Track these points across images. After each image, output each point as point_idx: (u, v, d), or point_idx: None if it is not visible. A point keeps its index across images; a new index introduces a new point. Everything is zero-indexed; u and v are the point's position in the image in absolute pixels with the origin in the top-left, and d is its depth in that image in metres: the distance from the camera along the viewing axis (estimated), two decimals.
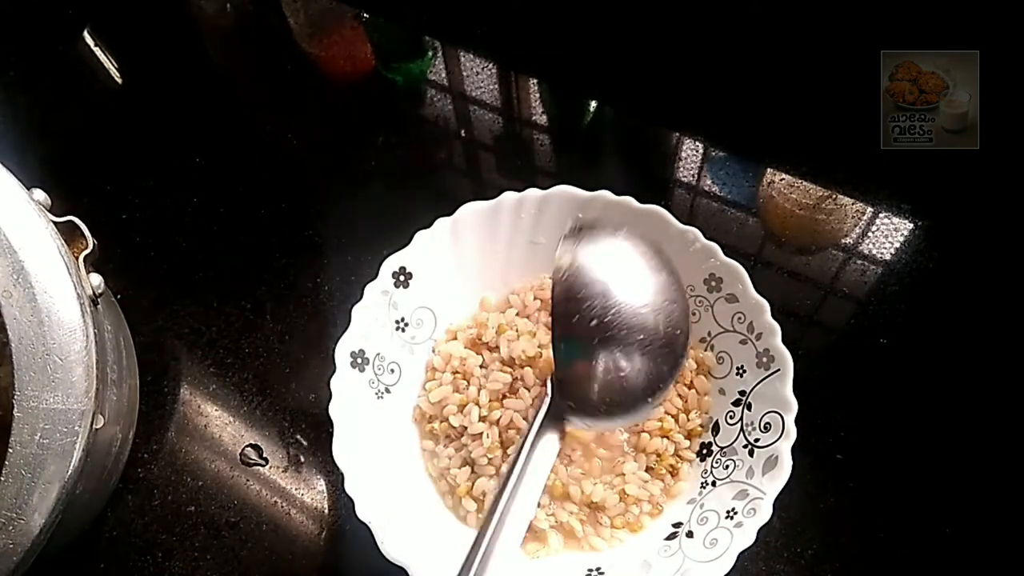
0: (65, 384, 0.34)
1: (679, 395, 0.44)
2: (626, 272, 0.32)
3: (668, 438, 0.43)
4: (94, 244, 0.39)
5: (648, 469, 0.43)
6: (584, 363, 0.31)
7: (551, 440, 0.32)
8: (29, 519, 0.33)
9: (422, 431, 0.45)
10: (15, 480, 0.33)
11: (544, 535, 0.41)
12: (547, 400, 0.34)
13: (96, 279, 0.38)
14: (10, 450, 0.33)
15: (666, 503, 0.42)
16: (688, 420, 0.43)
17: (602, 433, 0.43)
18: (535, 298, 0.47)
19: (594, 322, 0.30)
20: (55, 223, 0.37)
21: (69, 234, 0.38)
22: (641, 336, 0.31)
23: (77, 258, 0.37)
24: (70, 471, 0.34)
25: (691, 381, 0.44)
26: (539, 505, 0.41)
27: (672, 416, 0.44)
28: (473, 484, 0.42)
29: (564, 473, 0.42)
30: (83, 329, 0.35)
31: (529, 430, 0.33)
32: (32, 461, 0.33)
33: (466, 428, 0.43)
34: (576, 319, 0.31)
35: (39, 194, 0.38)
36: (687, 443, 0.43)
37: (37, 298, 0.34)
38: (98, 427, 0.36)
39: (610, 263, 0.32)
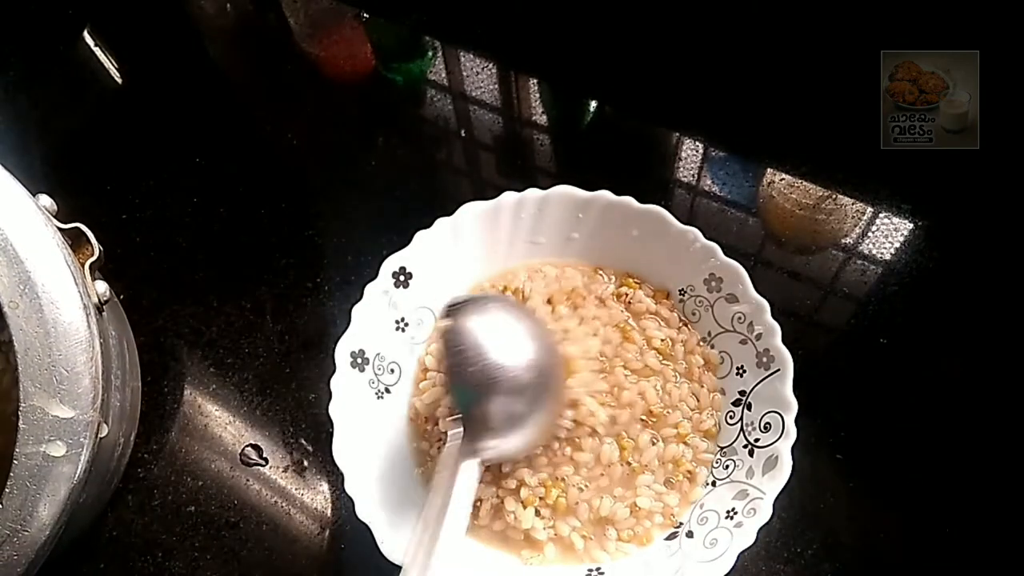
0: (71, 395, 0.34)
1: (693, 394, 0.43)
2: (493, 328, 0.39)
3: (686, 443, 0.42)
4: (100, 251, 0.38)
5: (666, 481, 0.42)
6: (476, 399, 0.37)
7: (471, 467, 0.37)
8: (34, 531, 0.33)
9: (416, 431, 0.44)
10: (20, 491, 0.33)
11: (540, 545, 0.41)
12: (460, 434, 0.38)
13: (102, 286, 0.38)
14: (15, 461, 0.33)
15: (682, 512, 0.41)
16: (702, 421, 0.43)
17: (622, 441, 0.42)
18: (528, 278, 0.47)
19: (472, 368, 0.37)
20: (61, 230, 0.37)
21: (75, 240, 0.38)
22: (512, 372, 0.38)
23: (83, 265, 0.37)
24: (75, 482, 0.34)
25: (700, 378, 0.44)
26: (539, 515, 0.41)
27: (687, 419, 0.43)
28: None
29: (574, 493, 0.41)
30: (89, 339, 0.35)
31: (450, 464, 0.37)
32: (37, 473, 0.33)
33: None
34: (459, 369, 0.37)
35: (45, 199, 0.38)
36: (705, 444, 0.42)
37: (44, 309, 0.34)
38: (103, 436, 0.35)
39: (479, 323, 0.38)
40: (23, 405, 0.33)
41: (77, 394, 0.34)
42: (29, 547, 0.33)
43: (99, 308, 0.37)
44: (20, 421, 0.33)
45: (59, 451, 0.33)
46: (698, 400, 0.43)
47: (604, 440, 0.42)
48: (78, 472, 0.34)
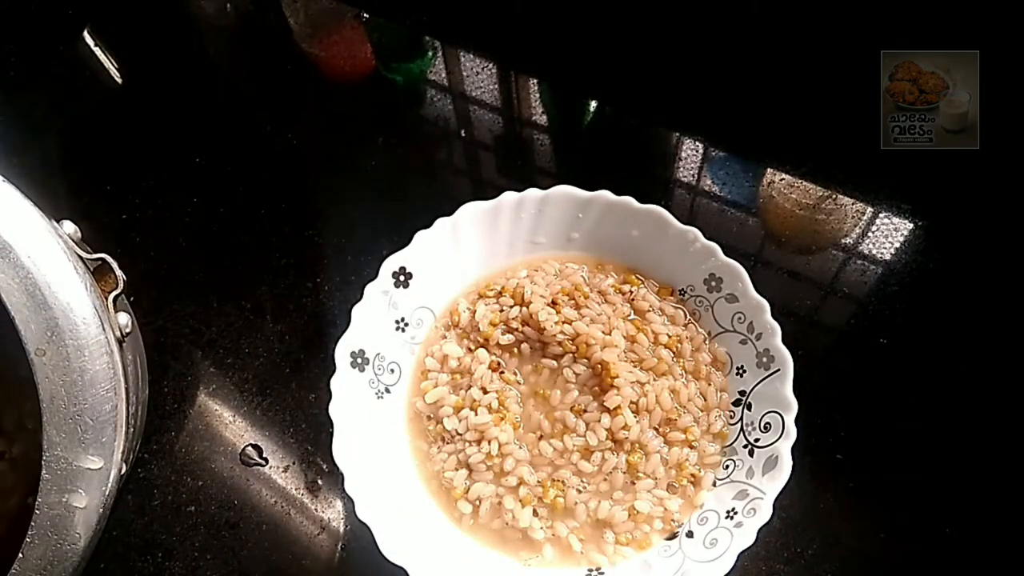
0: (96, 444, 0.33)
1: (701, 394, 0.43)
2: None
3: (691, 447, 0.42)
4: (123, 281, 0.37)
5: (669, 486, 0.41)
6: None
7: None
8: None
9: (415, 431, 0.44)
10: (42, 542, 0.32)
11: (538, 545, 0.41)
12: None
13: (124, 318, 0.37)
14: (37, 511, 0.32)
15: (684, 517, 0.40)
16: (711, 423, 0.42)
17: (632, 457, 0.42)
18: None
19: None
20: (84, 260, 0.36)
21: (98, 269, 0.37)
22: None
23: (107, 298, 0.36)
24: (95, 529, 0.33)
25: (708, 376, 0.43)
26: (537, 515, 0.41)
27: (696, 422, 0.42)
28: (469, 488, 0.41)
29: (573, 495, 0.41)
30: (114, 387, 0.34)
31: None
32: (59, 523, 0.32)
33: (461, 433, 0.42)
34: None
35: (68, 226, 0.37)
36: (713, 448, 0.42)
37: (71, 357, 0.33)
38: (123, 473, 0.35)
39: None
40: (47, 455, 0.32)
41: (102, 443, 0.33)
42: None
43: (120, 342, 0.36)
44: (44, 471, 0.32)
45: (81, 501, 0.33)
46: (705, 400, 0.43)
47: (617, 452, 0.42)
48: (101, 520, 0.33)
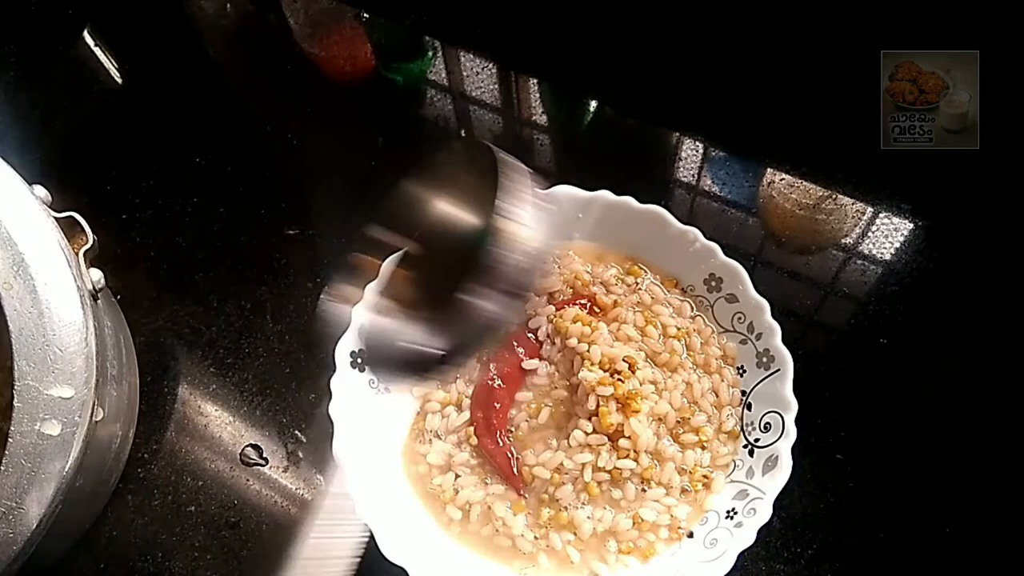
0: (65, 374, 0.34)
1: (713, 390, 0.42)
2: None
3: (703, 447, 0.41)
4: (94, 239, 0.39)
5: (682, 491, 0.40)
6: None
7: None
8: (28, 509, 0.33)
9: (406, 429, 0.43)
10: (15, 469, 0.33)
11: (533, 556, 0.39)
12: None
13: (96, 274, 0.38)
14: (10, 439, 0.33)
15: (691, 524, 0.40)
16: (724, 421, 0.42)
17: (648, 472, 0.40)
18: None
19: None
20: (56, 218, 0.37)
21: (69, 230, 0.38)
22: None
23: (77, 253, 0.38)
24: (70, 461, 0.34)
25: (720, 371, 0.43)
26: (526, 525, 0.40)
27: (709, 421, 0.42)
28: (458, 492, 0.41)
29: (575, 513, 0.40)
30: (83, 321, 0.35)
31: None
32: (32, 451, 0.33)
33: (441, 435, 0.42)
34: None
35: (40, 190, 0.38)
36: (726, 449, 0.41)
37: (37, 290, 0.34)
38: (98, 419, 0.36)
39: None
40: (18, 384, 0.33)
41: (71, 374, 0.34)
42: (24, 526, 0.33)
43: (93, 296, 0.37)
44: (15, 400, 0.33)
45: (54, 430, 0.33)
46: (717, 396, 0.42)
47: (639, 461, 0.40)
48: (73, 452, 0.34)
